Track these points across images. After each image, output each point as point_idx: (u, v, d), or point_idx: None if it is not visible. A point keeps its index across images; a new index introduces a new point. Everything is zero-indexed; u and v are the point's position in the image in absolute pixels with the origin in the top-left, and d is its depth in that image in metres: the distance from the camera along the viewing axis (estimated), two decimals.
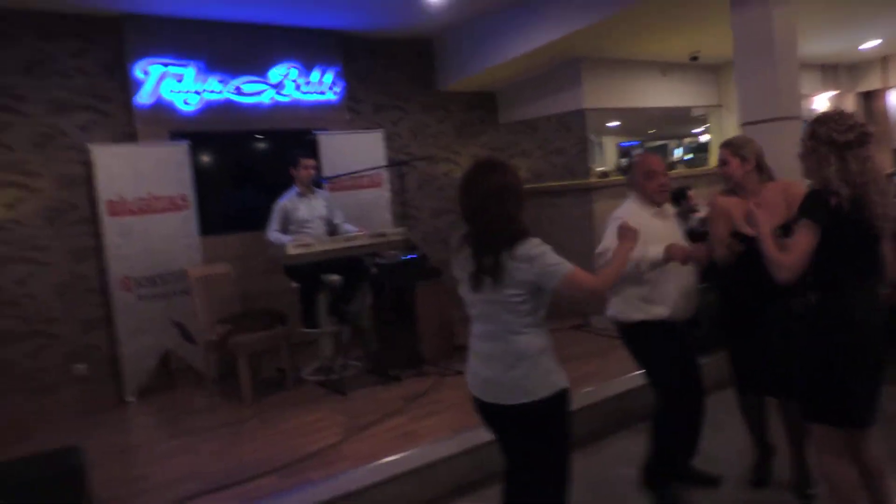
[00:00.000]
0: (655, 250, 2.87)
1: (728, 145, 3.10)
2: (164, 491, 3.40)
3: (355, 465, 3.46)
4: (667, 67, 7.55)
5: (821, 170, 2.34)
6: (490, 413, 2.37)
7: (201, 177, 5.74)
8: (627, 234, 2.52)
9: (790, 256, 2.30)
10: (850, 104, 9.73)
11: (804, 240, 2.29)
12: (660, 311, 3.04)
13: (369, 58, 6.86)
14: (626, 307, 3.09)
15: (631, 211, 3.08)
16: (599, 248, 2.98)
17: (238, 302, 5.30)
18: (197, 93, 5.83)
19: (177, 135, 5.65)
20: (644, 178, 3.09)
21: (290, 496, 3.20)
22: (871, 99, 10.06)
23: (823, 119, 2.39)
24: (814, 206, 2.32)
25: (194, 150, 5.60)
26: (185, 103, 5.79)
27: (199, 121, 5.84)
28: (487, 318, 2.31)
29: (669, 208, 3.26)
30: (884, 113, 10.02)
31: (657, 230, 3.03)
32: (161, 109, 5.65)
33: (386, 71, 6.98)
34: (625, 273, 2.59)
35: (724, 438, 3.73)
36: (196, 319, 5.05)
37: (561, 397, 2.29)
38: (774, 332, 2.95)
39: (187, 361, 5.39)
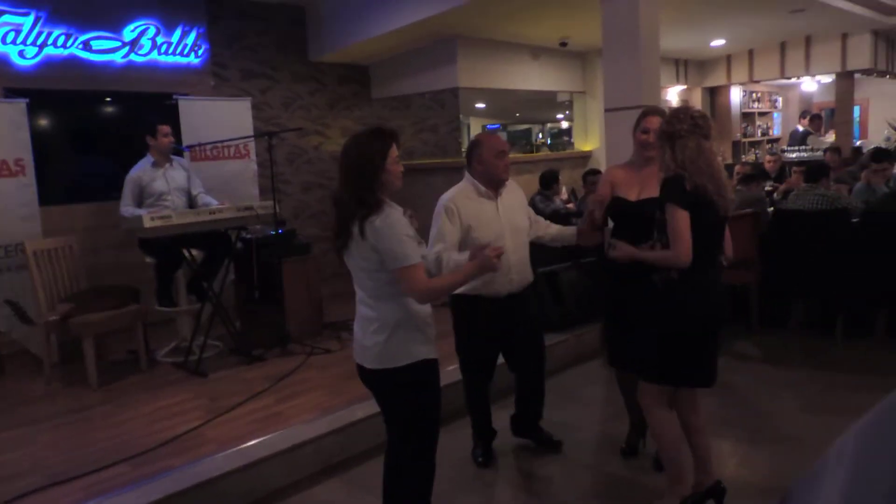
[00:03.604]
0: (459, 259, 2.83)
1: (660, 112, 3.02)
2: None
3: (218, 449, 3.28)
4: (538, 51, 7.73)
5: (661, 157, 2.60)
6: (362, 374, 2.43)
7: (42, 140, 5.21)
8: (487, 265, 2.34)
9: (678, 245, 2.47)
10: (696, 98, 10.54)
11: (680, 223, 2.47)
12: (472, 287, 2.96)
13: (238, 20, 6.49)
14: None
15: (464, 194, 3.12)
16: (431, 244, 2.98)
17: (84, 278, 4.85)
18: (36, 45, 5.25)
19: (12, 91, 5.06)
20: (496, 157, 3.09)
21: (145, 486, 2.97)
22: (716, 94, 11.00)
23: (669, 112, 2.67)
24: (673, 190, 2.52)
25: (33, 110, 5.01)
26: (22, 56, 5.21)
27: (38, 77, 5.31)
28: (357, 282, 2.38)
29: (513, 189, 3.26)
30: (727, 107, 11.04)
31: (486, 214, 3.09)
32: None
33: (255, 36, 6.64)
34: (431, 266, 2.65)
35: (577, 409, 3.94)
36: (34, 298, 4.57)
37: (420, 368, 2.33)
38: (636, 309, 3.08)
39: (22, 345, 4.86)
